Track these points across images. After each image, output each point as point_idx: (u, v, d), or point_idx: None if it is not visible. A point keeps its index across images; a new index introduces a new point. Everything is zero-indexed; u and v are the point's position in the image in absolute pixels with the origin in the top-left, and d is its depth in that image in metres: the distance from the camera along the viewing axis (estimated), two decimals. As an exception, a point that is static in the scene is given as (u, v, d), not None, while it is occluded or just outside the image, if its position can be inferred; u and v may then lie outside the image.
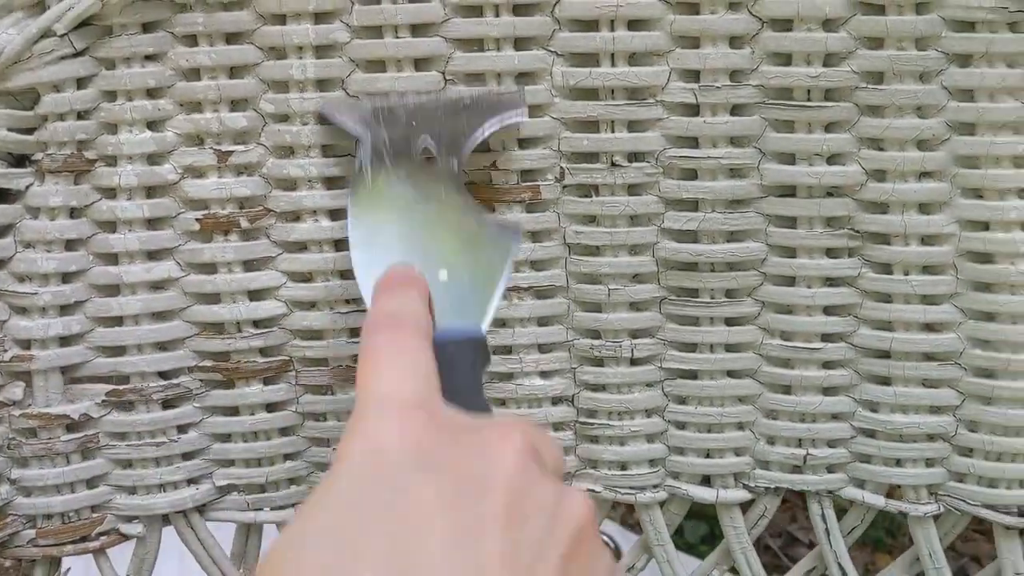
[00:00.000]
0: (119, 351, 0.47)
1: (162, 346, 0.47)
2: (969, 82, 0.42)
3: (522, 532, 0.27)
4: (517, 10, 0.43)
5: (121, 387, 0.47)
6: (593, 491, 0.50)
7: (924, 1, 0.41)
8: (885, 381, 0.47)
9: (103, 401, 0.47)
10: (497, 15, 0.43)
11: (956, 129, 0.43)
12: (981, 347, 0.45)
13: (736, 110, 0.44)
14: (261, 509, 0.50)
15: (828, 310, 0.46)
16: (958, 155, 0.43)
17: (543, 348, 0.48)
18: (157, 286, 0.46)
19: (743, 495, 0.50)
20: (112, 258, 0.45)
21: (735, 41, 0.43)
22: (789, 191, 0.45)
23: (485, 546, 0.26)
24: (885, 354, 0.46)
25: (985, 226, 0.44)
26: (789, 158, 0.44)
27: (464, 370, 0.37)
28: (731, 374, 0.48)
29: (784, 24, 0.42)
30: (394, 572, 0.25)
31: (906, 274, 0.45)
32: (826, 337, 0.47)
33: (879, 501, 0.49)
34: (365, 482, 0.28)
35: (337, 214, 0.45)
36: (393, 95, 0.43)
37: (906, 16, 0.41)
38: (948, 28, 0.41)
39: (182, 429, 0.48)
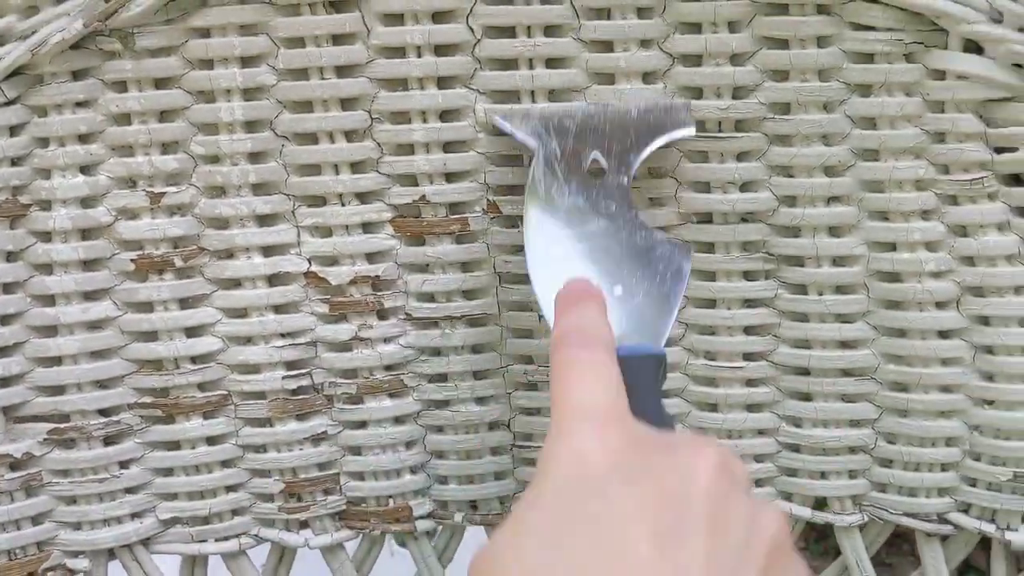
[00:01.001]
0: (59, 390, 0.47)
1: (101, 384, 0.48)
2: (870, 111, 0.44)
3: (723, 541, 0.29)
4: (439, 50, 0.44)
5: (62, 425, 0.48)
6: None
7: (825, 35, 0.43)
8: (806, 397, 0.49)
9: (45, 439, 0.48)
10: (419, 56, 0.44)
11: (860, 155, 0.45)
12: (894, 362, 0.47)
13: (652, 142, 0.45)
14: (206, 541, 0.51)
15: (748, 330, 0.48)
16: (863, 180, 0.45)
17: (478, 375, 0.49)
18: (94, 326, 0.47)
19: (676, 511, 0.51)
20: (49, 300, 0.46)
21: (648, 77, 0.44)
22: (706, 218, 0.46)
23: (689, 550, 0.28)
24: (805, 371, 0.48)
25: (892, 247, 0.46)
26: (704, 187, 0.46)
27: (646, 386, 0.38)
28: (660, 394, 0.50)
29: (694, 60, 0.44)
30: (607, 574, 0.27)
31: (820, 294, 0.47)
32: (748, 356, 0.48)
33: (806, 513, 0.51)
34: (573, 492, 0.30)
35: (270, 250, 0.47)
36: (563, 107, 0.44)
37: (808, 50, 0.43)
38: (849, 60, 0.43)
39: (124, 464, 0.49)
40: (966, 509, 0.49)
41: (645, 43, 0.44)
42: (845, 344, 0.48)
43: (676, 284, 0.42)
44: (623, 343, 0.39)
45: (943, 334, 0.47)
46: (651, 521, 0.28)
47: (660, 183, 0.46)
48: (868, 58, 0.43)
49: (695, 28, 0.43)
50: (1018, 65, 0.42)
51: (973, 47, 0.42)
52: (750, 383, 0.49)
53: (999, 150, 0.44)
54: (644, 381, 0.37)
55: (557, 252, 0.42)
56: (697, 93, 0.44)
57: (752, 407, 0.49)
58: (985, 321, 0.46)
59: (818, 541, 0.88)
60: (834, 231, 0.46)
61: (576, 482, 0.30)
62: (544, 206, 0.43)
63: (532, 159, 0.44)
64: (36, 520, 0.49)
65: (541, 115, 0.44)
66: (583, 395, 0.33)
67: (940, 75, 0.43)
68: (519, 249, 0.47)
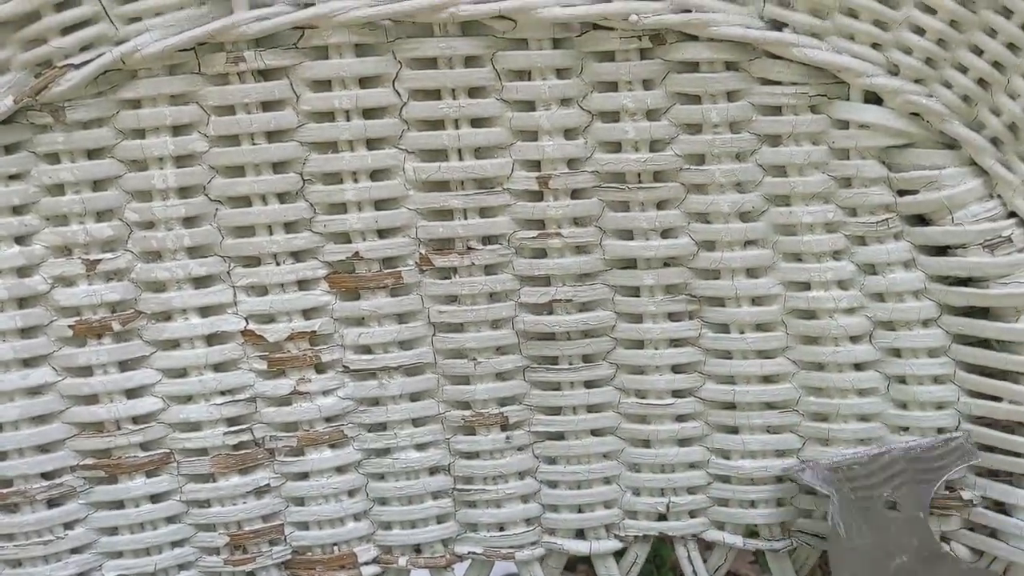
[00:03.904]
0: (0, 456, 0.48)
1: (43, 448, 0.48)
2: (780, 159, 0.46)
3: None
4: (367, 114, 0.46)
5: (5, 490, 0.48)
6: (475, 553, 0.53)
7: (735, 90, 0.45)
8: (733, 430, 0.51)
9: (-13, 505, 0.48)
10: (348, 119, 0.45)
11: (773, 201, 0.47)
12: (814, 394, 0.50)
13: (576, 194, 0.47)
14: (153, 597, 0.51)
15: (676, 368, 0.50)
16: (777, 224, 0.47)
17: (416, 422, 0.51)
18: (34, 392, 0.47)
19: (615, 545, 0.53)
20: (-13, 368, 0.47)
21: (569, 133, 0.46)
22: (630, 263, 0.48)
23: None
24: (731, 405, 0.50)
25: (807, 286, 0.48)
26: (627, 234, 0.48)
27: None
28: (594, 433, 0.51)
29: (612, 116, 0.46)
30: None
31: (741, 332, 0.49)
32: (676, 393, 0.50)
33: (738, 541, 0.53)
34: None
35: (207, 311, 0.48)
36: (848, 454, 0.48)
37: (719, 104, 0.45)
38: (757, 112, 0.46)
39: (69, 526, 0.49)
40: (888, 530, 0.52)
41: (565, 102, 0.46)
42: (767, 379, 0.50)
43: None
44: None
45: (858, 366, 0.49)
46: None
47: (584, 232, 0.48)
48: (776, 110, 0.46)
49: (611, 87, 0.45)
50: (915, 114, 0.45)
51: (873, 98, 0.45)
52: (680, 419, 0.51)
53: (902, 192, 0.46)
54: None
55: None
56: (616, 147, 0.46)
57: (683, 442, 0.51)
58: (897, 353, 0.49)
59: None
60: (752, 272, 0.48)
61: None
62: (848, 547, 0.46)
63: (830, 505, 0.47)
64: (-19, 585, 0.49)
65: (831, 464, 0.48)
66: None
67: (844, 125, 0.45)
68: (452, 299, 0.49)
